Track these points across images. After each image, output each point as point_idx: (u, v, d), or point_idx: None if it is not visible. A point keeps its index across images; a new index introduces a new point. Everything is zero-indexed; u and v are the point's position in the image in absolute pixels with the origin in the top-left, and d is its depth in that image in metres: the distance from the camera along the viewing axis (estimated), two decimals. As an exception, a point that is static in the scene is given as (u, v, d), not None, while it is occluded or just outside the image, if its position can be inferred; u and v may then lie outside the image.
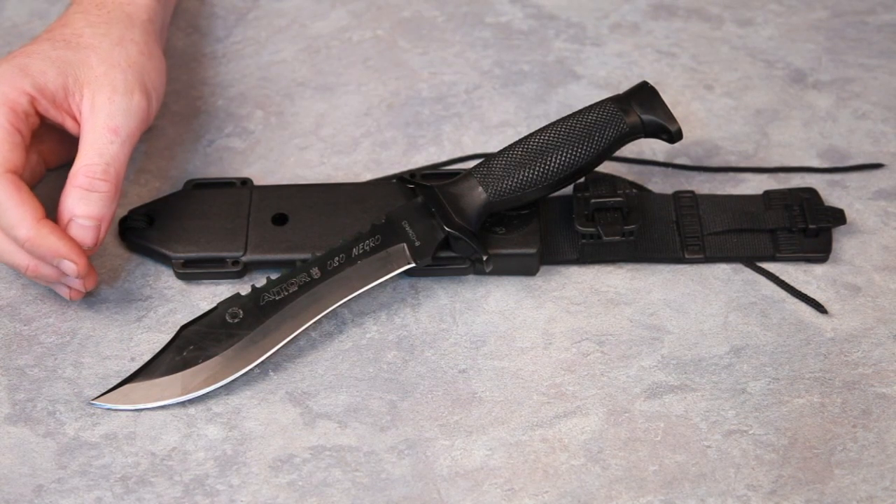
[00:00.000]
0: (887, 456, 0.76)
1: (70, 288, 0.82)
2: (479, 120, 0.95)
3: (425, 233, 0.82)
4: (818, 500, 0.75)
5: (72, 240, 0.79)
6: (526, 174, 0.83)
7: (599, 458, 0.77)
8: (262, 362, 0.79)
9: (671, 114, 0.84)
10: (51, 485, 0.76)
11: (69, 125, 0.83)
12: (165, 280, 0.86)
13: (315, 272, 0.81)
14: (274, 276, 0.81)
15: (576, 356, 0.81)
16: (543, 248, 0.85)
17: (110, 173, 0.80)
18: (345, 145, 0.94)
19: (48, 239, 0.78)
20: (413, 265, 0.82)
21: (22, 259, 0.80)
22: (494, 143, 0.93)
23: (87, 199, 0.80)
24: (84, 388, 0.80)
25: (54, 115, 0.82)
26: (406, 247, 0.82)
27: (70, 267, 0.79)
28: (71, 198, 0.80)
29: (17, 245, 0.79)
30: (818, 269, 0.85)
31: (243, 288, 0.83)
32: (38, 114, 0.82)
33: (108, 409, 0.79)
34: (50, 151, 0.87)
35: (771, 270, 0.85)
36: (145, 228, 0.86)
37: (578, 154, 0.83)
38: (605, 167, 0.87)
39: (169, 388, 0.78)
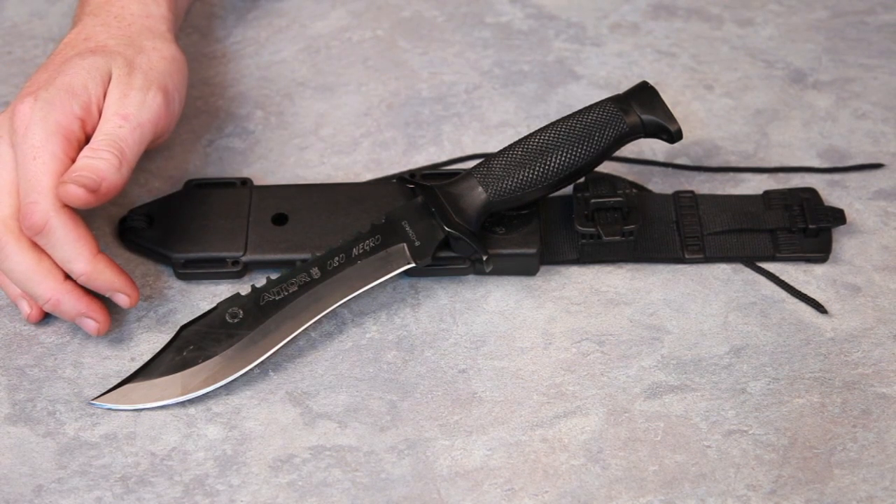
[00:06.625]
0: (887, 456, 0.76)
1: (97, 322, 0.81)
2: (479, 120, 0.95)
3: (425, 233, 0.82)
4: (818, 500, 0.75)
5: (126, 274, 0.80)
6: (526, 174, 0.83)
7: (599, 458, 0.77)
8: (262, 362, 0.79)
9: (671, 114, 0.84)
10: (51, 485, 0.76)
11: None
12: (165, 280, 0.86)
13: (315, 272, 0.81)
14: (274, 276, 0.81)
15: (576, 356, 0.81)
16: (543, 248, 0.85)
17: (116, 146, 0.79)
18: (345, 145, 0.94)
19: (104, 273, 0.79)
20: (413, 265, 0.82)
21: (45, 291, 0.79)
22: (494, 143, 0.93)
23: (90, 157, 0.79)
24: (84, 388, 0.80)
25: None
26: (406, 247, 0.82)
27: (123, 300, 0.80)
28: (75, 161, 0.79)
29: (44, 276, 0.79)
30: (818, 269, 0.85)
31: (243, 288, 0.83)
32: (85, 137, 0.81)
33: (108, 409, 0.79)
34: None
35: (771, 270, 0.85)
36: (145, 228, 0.87)
37: (578, 154, 0.83)
38: (605, 167, 0.87)
39: (169, 388, 0.79)
